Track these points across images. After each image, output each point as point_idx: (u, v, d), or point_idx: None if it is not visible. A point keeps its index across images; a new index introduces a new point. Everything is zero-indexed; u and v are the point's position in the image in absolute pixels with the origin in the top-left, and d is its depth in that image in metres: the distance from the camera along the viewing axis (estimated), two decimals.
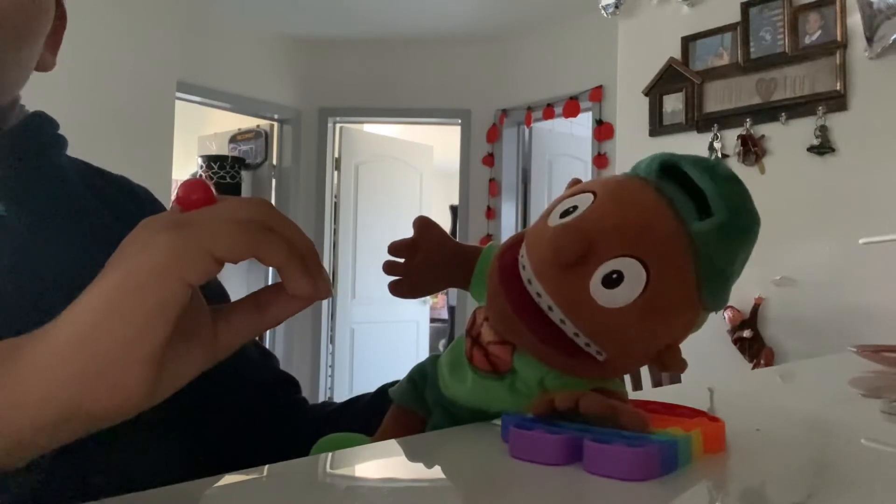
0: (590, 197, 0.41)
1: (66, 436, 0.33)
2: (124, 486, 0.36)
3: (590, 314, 0.40)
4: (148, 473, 0.42)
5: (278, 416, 0.67)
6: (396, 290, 0.53)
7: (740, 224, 0.40)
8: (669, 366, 0.43)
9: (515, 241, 0.44)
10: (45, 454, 0.34)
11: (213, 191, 0.36)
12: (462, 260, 0.53)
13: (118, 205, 0.61)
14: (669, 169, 0.41)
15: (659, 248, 0.39)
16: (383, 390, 0.65)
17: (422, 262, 0.53)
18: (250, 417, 0.65)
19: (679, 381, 1.71)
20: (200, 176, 4.58)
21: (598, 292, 0.39)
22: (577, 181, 0.46)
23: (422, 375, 0.52)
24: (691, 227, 0.39)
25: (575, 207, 0.41)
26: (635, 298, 0.39)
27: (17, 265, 0.51)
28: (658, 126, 2.86)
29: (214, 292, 0.62)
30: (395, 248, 0.53)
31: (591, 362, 0.42)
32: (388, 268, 0.53)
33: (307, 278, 0.35)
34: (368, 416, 0.57)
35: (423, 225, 0.53)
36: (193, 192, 0.35)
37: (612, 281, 0.39)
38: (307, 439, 0.53)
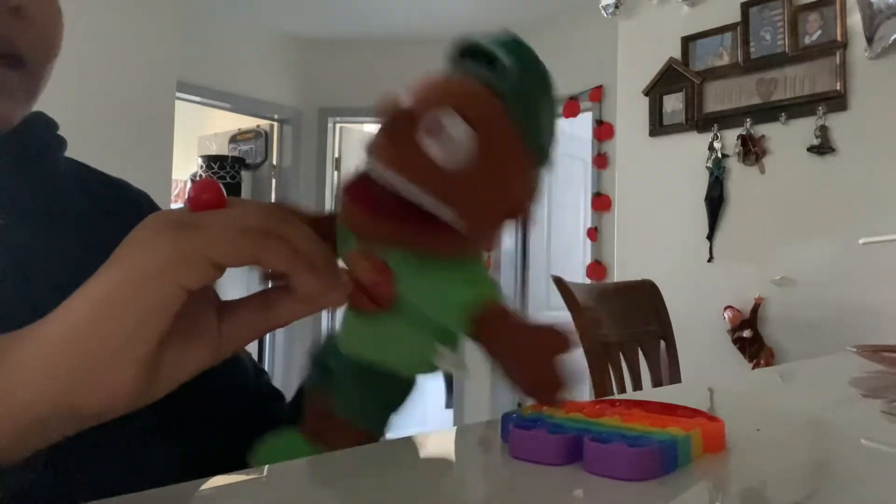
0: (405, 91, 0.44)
1: (57, 433, 0.33)
2: (120, 488, 0.36)
3: (431, 173, 0.41)
4: (144, 476, 0.42)
5: (264, 430, 0.67)
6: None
7: (528, 70, 0.44)
8: (523, 217, 0.44)
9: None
10: (41, 454, 0.34)
11: (224, 192, 0.36)
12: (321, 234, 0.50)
13: (115, 210, 0.61)
14: (465, 53, 0.46)
15: (472, 101, 0.43)
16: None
17: None
18: (237, 429, 0.65)
19: (679, 381, 1.71)
20: (200, 176, 4.58)
21: (432, 150, 0.41)
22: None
23: (321, 349, 0.50)
24: (493, 84, 0.43)
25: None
26: (464, 147, 0.41)
27: (12, 269, 0.51)
28: (658, 126, 2.86)
29: None
30: None
31: (451, 234, 0.42)
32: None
33: (316, 282, 0.35)
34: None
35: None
36: (204, 193, 0.35)
37: (440, 136, 0.41)
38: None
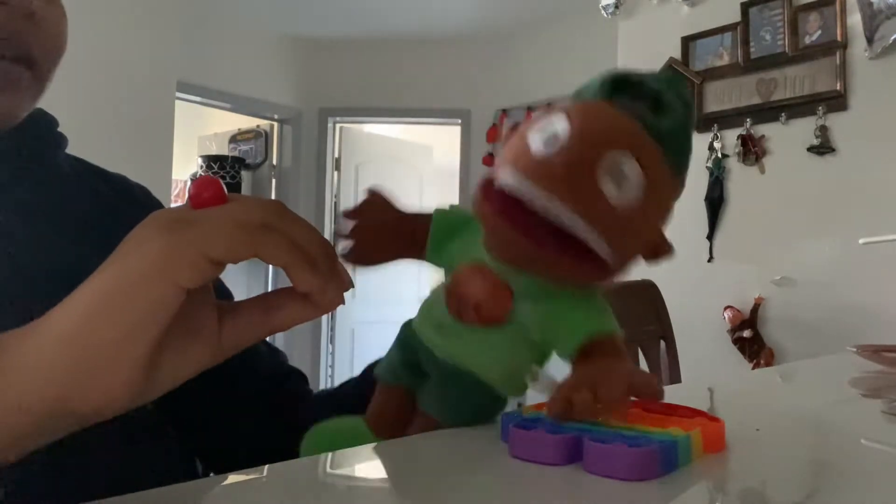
0: (563, 116, 0.43)
1: (53, 433, 0.33)
2: (125, 486, 0.36)
3: (603, 211, 0.41)
4: (150, 471, 0.42)
5: (287, 405, 0.67)
6: (344, 255, 0.52)
7: (690, 115, 0.46)
8: (663, 253, 0.45)
9: (489, 179, 0.45)
10: (39, 453, 0.34)
11: (224, 189, 0.36)
12: (408, 229, 0.52)
13: (115, 206, 0.61)
14: (618, 86, 0.46)
15: (643, 142, 0.43)
16: (369, 370, 0.64)
17: (362, 228, 0.51)
18: (258, 407, 0.65)
19: (679, 381, 1.71)
20: (200, 176, 4.58)
21: (607, 189, 0.41)
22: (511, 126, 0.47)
23: (405, 346, 0.51)
24: (654, 124, 0.43)
25: (554, 129, 0.42)
26: (638, 191, 0.41)
27: (11, 266, 0.51)
28: None
29: (218, 292, 0.62)
30: (344, 213, 0.53)
31: (596, 265, 0.42)
32: (337, 231, 0.53)
33: (315, 276, 0.35)
34: (358, 398, 0.57)
35: (369, 192, 0.53)
36: (204, 190, 0.35)
37: (617, 176, 0.41)
38: (307, 427, 0.53)
